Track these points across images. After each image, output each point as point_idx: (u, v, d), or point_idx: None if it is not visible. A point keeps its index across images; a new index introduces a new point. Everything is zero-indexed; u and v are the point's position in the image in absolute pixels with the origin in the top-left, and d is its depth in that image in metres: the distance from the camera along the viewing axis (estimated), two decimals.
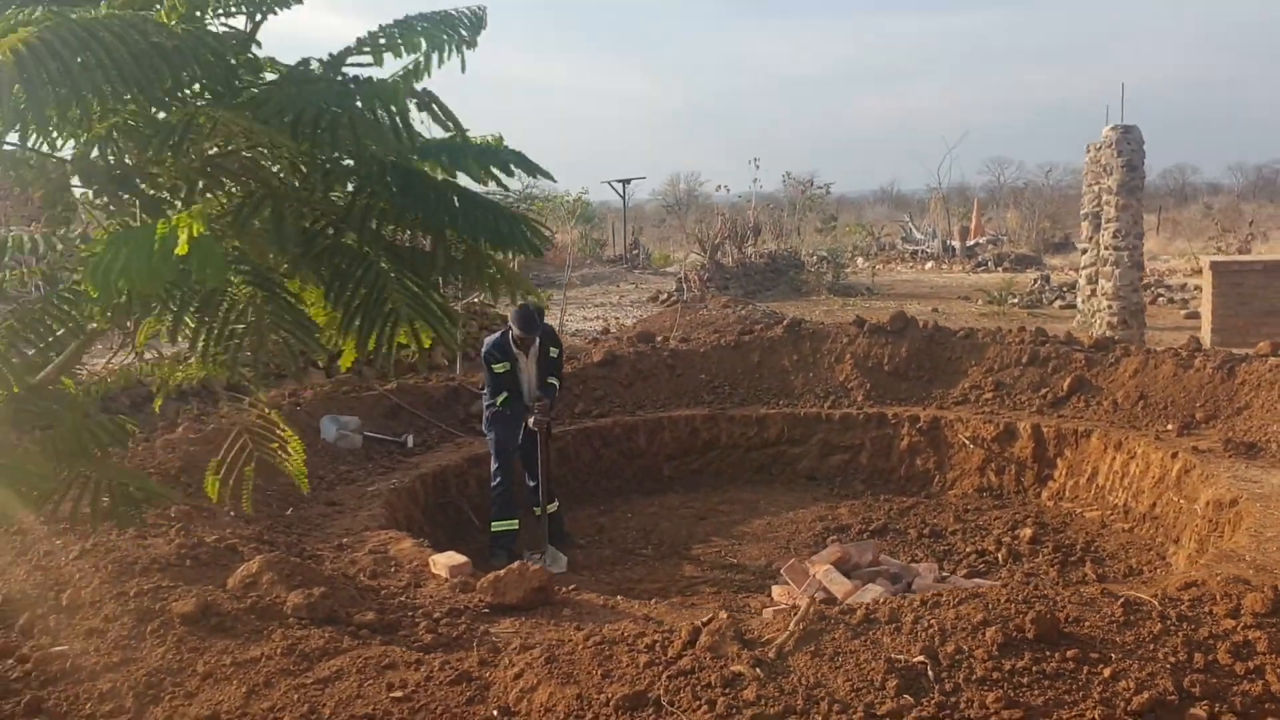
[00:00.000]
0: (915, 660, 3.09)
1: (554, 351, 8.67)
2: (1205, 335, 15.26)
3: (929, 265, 34.16)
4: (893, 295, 24.48)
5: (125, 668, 3.92)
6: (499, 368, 8.42)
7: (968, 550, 8.32)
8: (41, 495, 2.81)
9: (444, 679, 3.67)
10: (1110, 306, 14.03)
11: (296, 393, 9.37)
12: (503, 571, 5.04)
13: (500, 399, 8.30)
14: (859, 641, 3.26)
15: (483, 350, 8.57)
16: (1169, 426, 9.22)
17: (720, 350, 11.84)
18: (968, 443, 10.11)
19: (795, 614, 3.45)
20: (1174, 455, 8.47)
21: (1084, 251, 16.84)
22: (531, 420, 8.43)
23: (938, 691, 2.97)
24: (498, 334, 8.67)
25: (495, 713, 3.35)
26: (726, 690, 3.08)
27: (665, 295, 23.62)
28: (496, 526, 8.29)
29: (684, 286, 23.28)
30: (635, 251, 35.63)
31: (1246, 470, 7.77)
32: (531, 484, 8.62)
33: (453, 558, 5.75)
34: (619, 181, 34.02)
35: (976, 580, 7.49)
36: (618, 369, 11.30)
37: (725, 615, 3.48)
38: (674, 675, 3.22)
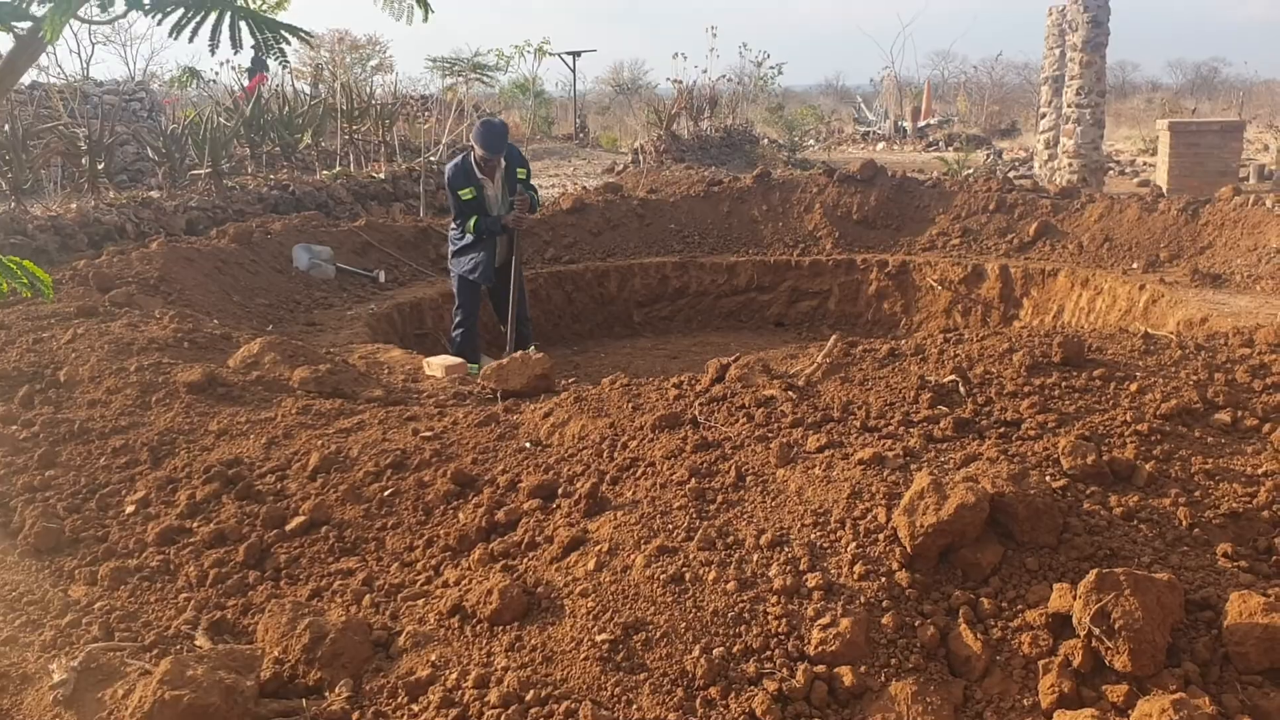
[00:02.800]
0: (946, 379, 3.15)
1: (521, 172, 8.20)
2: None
3: (880, 146, 34.10)
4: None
5: (134, 430, 3.87)
6: (465, 193, 7.86)
7: None
8: None
9: (471, 422, 3.68)
10: (1070, 164, 14.12)
11: (265, 224, 9.17)
12: (505, 359, 5.03)
13: (471, 221, 7.82)
14: (887, 369, 3.31)
15: (445, 175, 8.03)
16: (1135, 265, 9.38)
17: (689, 200, 11.77)
18: (935, 285, 10.22)
19: (820, 350, 3.49)
20: (1141, 287, 8.64)
21: (1043, 116, 16.90)
22: (511, 216, 7.87)
23: (971, 403, 3.03)
24: (459, 158, 8.09)
25: (528, 444, 3.37)
26: (762, 408, 3.12)
27: (621, 167, 23.36)
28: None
29: (640, 158, 23.03)
30: (583, 133, 35.10)
31: (1214, 295, 7.96)
32: (506, 326, 8.18)
33: (447, 359, 5.73)
34: (569, 54, 33.25)
35: None
36: (587, 217, 11.20)
37: (753, 355, 3.51)
38: (706, 402, 3.26)
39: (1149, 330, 3.48)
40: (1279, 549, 2.42)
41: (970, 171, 21.80)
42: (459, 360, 5.71)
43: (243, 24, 2.81)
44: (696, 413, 3.18)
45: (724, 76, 30.33)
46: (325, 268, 8.42)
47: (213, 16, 2.76)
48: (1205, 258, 9.22)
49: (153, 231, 10.00)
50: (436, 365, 5.61)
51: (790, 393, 3.19)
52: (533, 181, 8.16)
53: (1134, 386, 3.09)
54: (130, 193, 12.05)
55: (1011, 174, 21.79)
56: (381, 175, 14.65)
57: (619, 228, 11.25)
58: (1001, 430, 2.86)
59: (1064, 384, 3.11)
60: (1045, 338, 3.36)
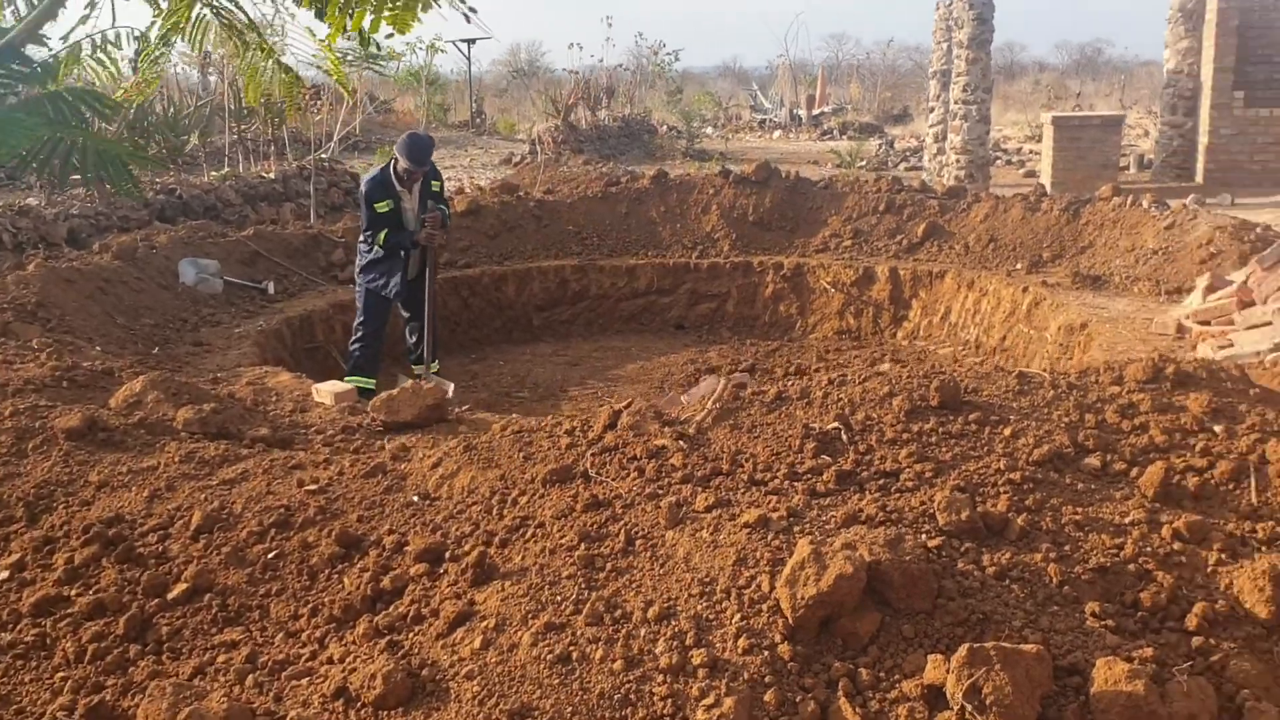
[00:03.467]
0: (830, 427, 3.21)
1: (436, 185, 8.09)
2: (1046, 188, 15.93)
3: (776, 134, 34.46)
4: (746, 160, 24.58)
5: (10, 482, 3.73)
6: (381, 206, 7.64)
7: None
8: None
9: (358, 472, 3.62)
10: (958, 160, 14.47)
11: (150, 236, 8.88)
12: (395, 390, 4.97)
13: (383, 235, 7.65)
14: (775, 415, 3.36)
15: (363, 186, 7.78)
16: (1018, 266, 9.66)
17: (587, 201, 11.75)
18: (829, 287, 10.40)
19: (711, 396, 3.52)
20: (1024, 290, 8.91)
21: (931, 110, 17.27)
22: (423, 234, 7.77)
23: (853, 451, 3.09)
24: (378, 169, 7.94)
25: (416, 498, 3.34)
26: (653, 460, 3.14)
27: (519, 158, 23.20)
28: (356, 382, 7.47)
29: (537, 148, 22.89)
30: (480, 119, 34.73)
31: (1094, 299, 8.24)
32: (412, 340, 8.14)
33: (337, 385, 5.63)
34: (463, 41, 32.78)
35: None
36: (482, 219, 11.11)
37: (644, 401, 3.53)
38: (598, 452, 3.26)
39: (1021, 370, 3.59)
40: (1144, 603, 2.53)
41: (863, 164, 22.23)
42: (348, 388, 5.62)
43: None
44: (588, 465, 3.19)
45: (620, 65, 30.33)
46: (213, 282, 8.20)
47: None
48: (1086, 258, 9.55)
49: (31, 242, 9.62)
50: (325, 392, 5.52)
51: (681, 442, 3.22)
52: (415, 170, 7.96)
53: (1008, 430, 3.19)
54: (5, 200, 11.56)
55: (903, 165, 22.28)
56: (271, 175, 14.31)
57: (516, 230, 11.19)
58: (881, 482, 2.93)
59: (941, 429, 3.19)
60: (924, 380, 3.44)
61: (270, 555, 3.17)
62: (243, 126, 14.69)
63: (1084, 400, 3.38)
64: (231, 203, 13.43)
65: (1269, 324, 6.06)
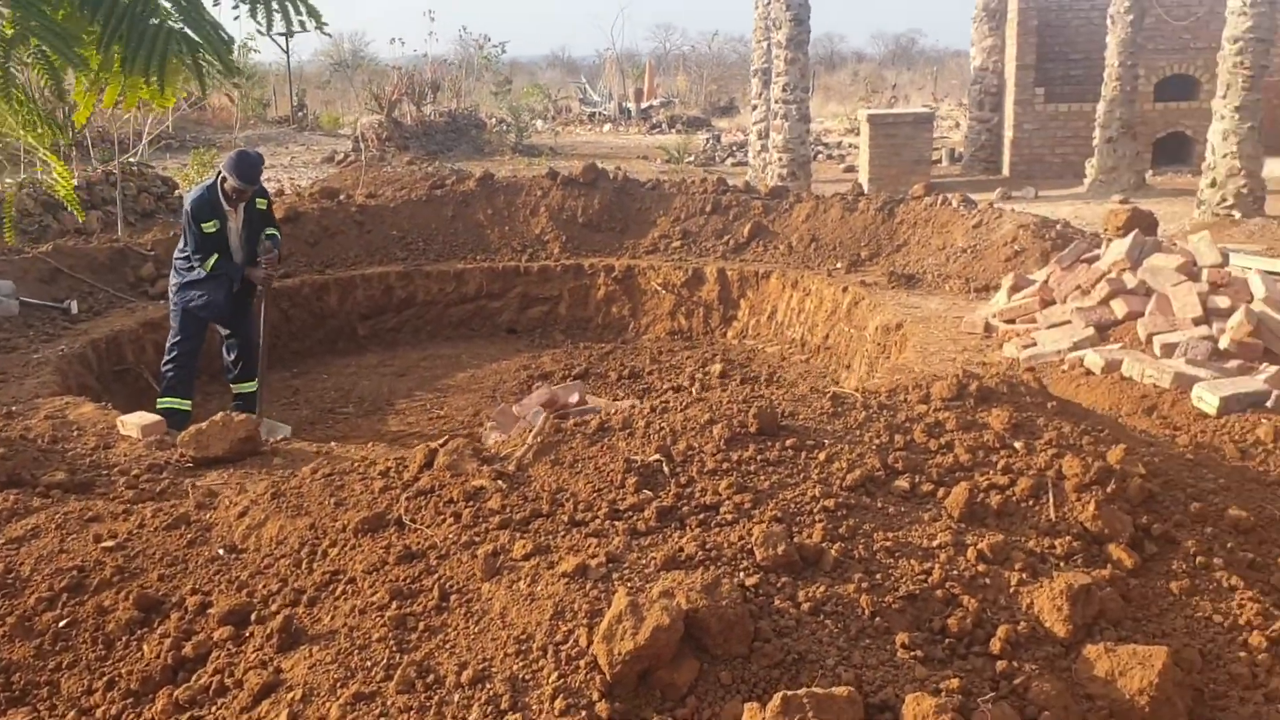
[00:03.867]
0: (651, 459, 3.19)
1: (262, 203, 7.67)
2: (864, 185, 16.46)
3: (606, 128, 34.55)
4: (576, 155, 24.60)
5: None
6: (209, 226, 7.21)
7: (664, 387, 8.67)
8: None
9: (159, 525, 3.41)
10: (780, 159, 14.82)
11: None
12: (205, 424, 4.73)
13: (211, 260, 7.22)
14: (597, 448, 3.32)
15: (187, 205, 7.32)
16: (839, 265, 9.94)
17: (412, 205, 11.49)
18: (660, 289, 10.47)
19: (532, 429, 3.46)
20: (844, 289, 9.16)
21: (754, 108, 17.59)
22: (260, 274, 7.48)
23: (674, 484, 3.09)
24: (204, 186, 7.47)
25: (221, 551, 3.16)
26: (470, 503, 3.06)
27: (342, 155, 22.56)
28: (167, 404, 7.25)
29: (361, 146, 22.30)
30: (302, 113, 33.64)
31: (908, 298, 8.54)
32: (231, 356, 7.71)
33: (144, 417, 5.32)
34: (280, 34, 31.62)
35: None
36: (301, 226, 10.72)
37: (464, 438, 3.44)
38: (413, 496, 3.16)
39: (837, 389, 3.66)
40: (951, 629, 2.61)
41: (691, 159, 22.52)
42: (156, 419, 5.32)
43: None
44: (402, 511, 3.08)
45: (444, 59, 29.85)
46: (7, 304, 7.64)
47: None
48: (901, 256, 9.89)
49: None
50: (132, 425, 5.21)
51: (500, 482, 3.15)
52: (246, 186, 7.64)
53: (823, 455, 3.24)
54: None
55: (729, 161, 22.67)
56: (75, 182, 13.45)
57: (337, 236, 10.85)
58: (701, 516, 2.93)
59: (759, 457, 3.22)
60: (743, 405, 3.47)
61: (62, 623, 2.95)
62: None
63: (893, 421, 3.47)
64: (29, 211, 12.58)
65: (1068, 322, 6.39)
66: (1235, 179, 11.86)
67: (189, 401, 7.45)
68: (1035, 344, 6.37)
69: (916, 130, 16.01)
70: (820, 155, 24.40)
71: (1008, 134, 17.36)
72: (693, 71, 46.82)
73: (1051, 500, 3.13)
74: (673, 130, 32.12)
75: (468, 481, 3.16)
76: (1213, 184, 12.08)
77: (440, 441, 3.42)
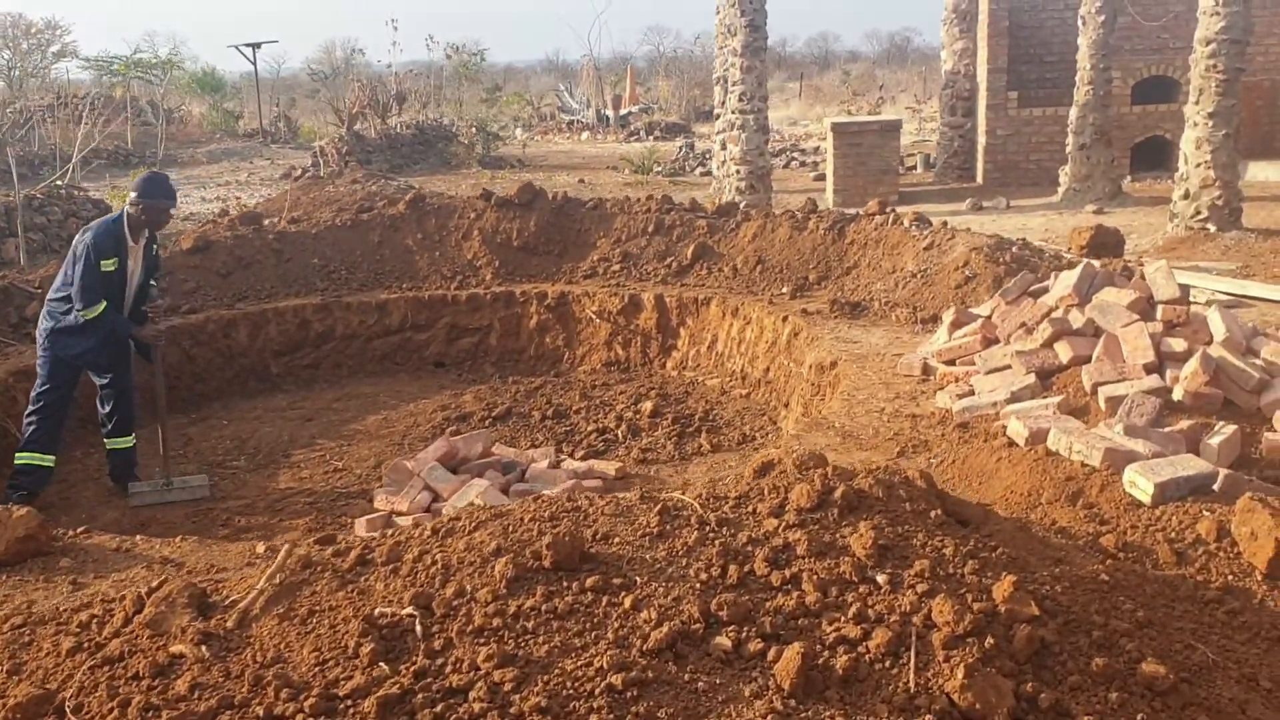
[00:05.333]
0: (404, 613, 2.50)
1: (155, 248, 7.07)
2: (829, 196, 15.80)
3: (585, 136, 33.87)
4: (544, 167, 23.95)
5: None
6: (108, 264, 6.52)
7: (589, 429, 8.00)
8: None
9: None
10: (738, 171, 14.10)
11: None
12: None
13: (100, 308, 6.51)
14: (345, 593, 2.64)
15: (87, 238, 6.51)
16: (784, 290, 9.26)
17: (335, 231, 10.80)
18: (594, 317, 9.78)
19: (273, 563, 2.77)
20: (785, 319, 8.48)
21: (717, 116, 16.90)
22: (151, 333, 6.84)
23: (422, 653, 2.40)
24: (108, 220, 6.74)
25: None
26: (155, 681, 2.37)
27: (300, 171, 21.85)
28: (26, 459, 6.62)
29: (320, 161, 21.61)
30: (281, 125, 32.93)
31: (849, 330, 7.85)
32: (106, 409, 6.99)
33: None
34: (248, 46, 30.98)
35: (591, 462, 7.20)
36: (212, 257, 10.02)
37: (183, 579, 2.76)
38: (98, 665, 2.47)
39: (678, 496, 2.97)
40: None
41: (659, 169, 21.82)
42: None
43: None
44: (72, 693, 2.39)
45: (411, 70, 29.10)
46: None
47: None
48: (851, 279, 9.21)
49: None
50: None
51: (205, 647, 2.46)
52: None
53: (629, 601, 2.56)
54: None
55: (699, 170, 21.95)
56: None
57: (252, 266, 10.15)
58: (439, 709, 2.24)
59: (545, 606, 2.53)
60: (547, 524, 2.78)
61: None
62: None
63: (732, 544, 2.78)
64: None
65: (1008, 367, 5.70)
66: (1210, 190, 11.15)
67: (52, 457, 6.77)
68: (972, 391, 5.68)
69: (883, 139, 15.32)
70: (794, 163, 23.73)
71: (980, 140, 16.67)
72: (677, 76, 46.15)
73: (913, 660, 2.44)
74: (650, 137, 31.45)
75: (167, 646, 2.46)
76: (1186, 195, 11.37)
77: (156, 584, 2.73)
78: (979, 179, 16.84)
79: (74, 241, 6.72)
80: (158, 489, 6.86)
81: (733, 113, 14.03)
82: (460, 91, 36.42)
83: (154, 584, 2.74)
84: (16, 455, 6.77)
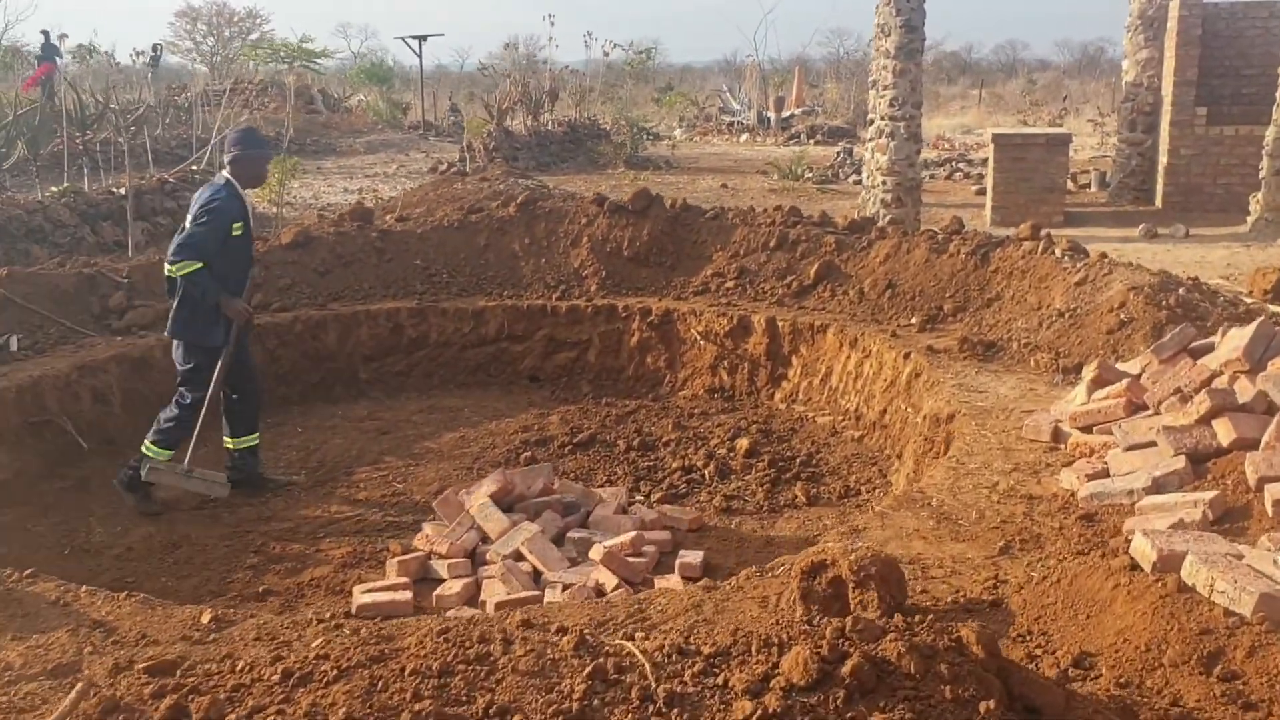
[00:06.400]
0: None
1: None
2: (987, 213, 14.53)
3: (744, 138, 32.98)
4: (691, 169, 23.24)
5: None
6: (237, 228, 6.31)
7: (674, 466, 7.21)
8: None
9: None
10: (884, 183, 13.00)
11: None
12: None
13: (195, 265, 6.19)
14: None
15: (215, 201, 6.20)
16: (913, 320, 8.26)
17: (441, 231, 10.32)
18: (699, 338, 8.97)
19: (65, 702, 2.11)
20: (906, 356, 7.49)
21: (871, 123, 15.81)
22: (240, 308, 6.46)
23: None
24: (218, 183, 6.38)
25: None
26: None
27: (447, 166, 21.73)
28: (155, 454, 6.36)
29: (466, 156, 21.43)
30: (455, 118, 33.05)
31: (977, 376, 6.82)
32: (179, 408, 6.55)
33: None
34: (414, 38, 31.24)
35: (666, 508, 6.40)
36: (312, 253, 9.68)
37: None
38: None
39: (628, 648, 2.17)
40: None
41: (810, 175, 20.76)
42: None
43: None
44: None
45: (566, 67, 28.80)
46: None
47: None
48: (991, 313, 8.15)
49: None
50: None
51: None
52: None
53: None
54: None
55: (853, 179, 20.80)
56: (122, 190, 12.85)
57: (352, 265, 9.76)
58: None
59: None
60: (426, 687, 2.02)
61: None
62: (85, 136, 13.17)
63: None
64: (64, 223, 12.02)
65: (1153, 444, 4.64)
66: None
67: (170, 453, 6.47)
68: (1107, 472, 4.65)
69: (1050, 153, 13.94)
70: (959, 174, 22.34)
71: (1161, 159, 15.03)
72: (845, 78, 44.68)
73: None
74: (811, 141, 30.34)
75: None
76: None
77: None
78: (1157, 202, 15.21)
79: (194, 205, 6.37)
80: (177, 473, 6.46)
81: (882, 119, 12.95)
82: (629, 90, 36.07)
83: None
84: (146, 447, 6.44)
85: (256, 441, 6.91)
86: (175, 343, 6.50)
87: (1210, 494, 4.08)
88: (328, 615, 5.07)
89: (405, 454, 7.58)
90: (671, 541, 5.94)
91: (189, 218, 6.35)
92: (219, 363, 6.43)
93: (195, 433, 6.53)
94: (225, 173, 6.46)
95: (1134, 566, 3.25)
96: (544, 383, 9.30)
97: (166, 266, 6.34)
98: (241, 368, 6.69)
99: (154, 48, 35.42)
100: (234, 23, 57.22)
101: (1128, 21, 15.74)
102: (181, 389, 6.46)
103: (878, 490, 6.70)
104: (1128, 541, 3.40)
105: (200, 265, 6.19)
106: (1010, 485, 4.80)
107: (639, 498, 6.75)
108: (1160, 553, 3.17)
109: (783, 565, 3.89)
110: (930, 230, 9.63)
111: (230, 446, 6.79)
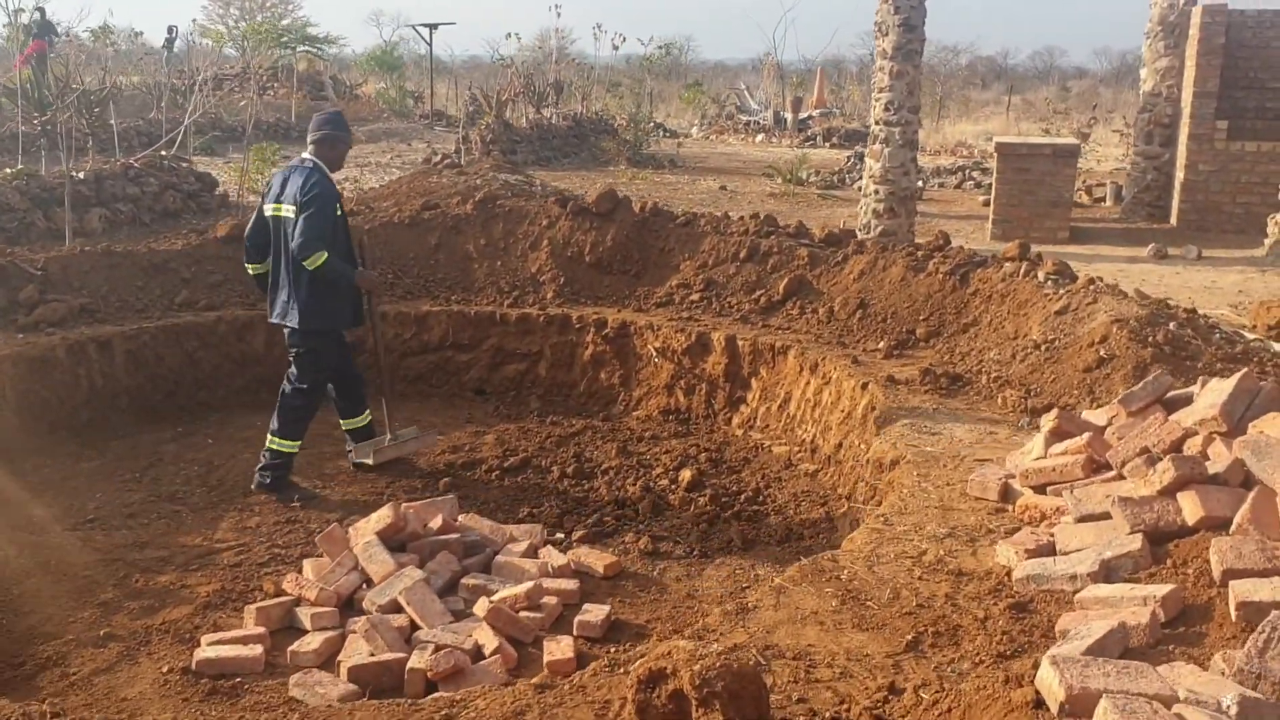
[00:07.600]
0: None
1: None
2: (988, 227, 13.78)
3: (760, 138, 32.22)
4: (694, 168, 22.52)
5: None
6: (339, 208, 6.46)
7: (607, 499, 6.58)
8: None
9: None
10: (877, 191, 12.24)
11: None
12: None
13: (323, 257, 6.20)
14: None
15: (314, 189, 6.14)
16: (879, 345, 7.57)
17: (390, 228, 9.71)
18: (655, 354, 8.31)
19: None
20: (864, 386, 6.79)
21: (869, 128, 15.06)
22: (373, 277, 6.91)
23: None
24: (307, 167, 6.28)
25: None
26: None
27: (441, 157, 21.11)
28: (285, 444, 6.53)
29: (463, 148, 20.80)
30: (473, 109, 32.44)
31: (935, 413, 6.13)
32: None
33: None
34: (424, 26, 30.65)
35: (582, 550, 5.75)
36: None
37: None
38: None
39: None
40: None
41: (814, 179, 20.01)
42: None
43: None
44: None
45: (573, 60, 28.11)
46: None
47: None
48: (966, 339, 7.46)
49: None
50: None
51: None
52: (334, 174, 6.54)
53: None
54: None
55: (858, 186, 20.01)
56: (81, 175, 12.29)
57: None
58: None
59: None
60: None
61: None
62: (44, 117, 12.61)
63: None
64: (13, 207, 11.47)
65: (1106, 517, 3.94)
66: None
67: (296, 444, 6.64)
68: (1051, 547, 3.96)
69: (1056, 165, 13.16)
70: (969, 183, 21.52)
71: (1178, 175, 14.21)
72: (867, 79, 43.79)
73: None
74: (826, 144, 29.57)
75: None
76: None
77: None
78: (1172, 220, 14.41)
79: (287, 192, 6.23)
80: (388, 445, 6.91)
81: (876, 123, 12.21)
82: (652, 86, 35.29)
83: None
84: (273, 440, 6.55)
85: (368, 420, 7.03)
86: (290, 331, 6.50)
87: (1165, 588, 3.39)
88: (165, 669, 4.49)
89: (314, 474, 6.95)
90: (579, 592, 5.29)
91: (277, 206, 6.28)
92: (372, 334, 6.97)
93: (384, 402, 6.94)
94: (309, 154, 6.37)
95: (1039, 704, 2.57)
96: (490, 396, 8.67)
97: (302, 262, 6.16)
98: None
99: (169, 30, 35.00)
100: (266, 7, 56.93)
101: (1147, 27, 14.90)
102: (296, 378, 6.57)
103: (820, 537, 6.01)
104: (1033, 671, 2.72)
105: (327, 253, 6.17)
106: (939, 556, 4.12)
107: (560, 534, 6.10)
108: (1069, 691, 2.49)
109: (641, 659, 3.22)
110: (910, 246, 8.94)
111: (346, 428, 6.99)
